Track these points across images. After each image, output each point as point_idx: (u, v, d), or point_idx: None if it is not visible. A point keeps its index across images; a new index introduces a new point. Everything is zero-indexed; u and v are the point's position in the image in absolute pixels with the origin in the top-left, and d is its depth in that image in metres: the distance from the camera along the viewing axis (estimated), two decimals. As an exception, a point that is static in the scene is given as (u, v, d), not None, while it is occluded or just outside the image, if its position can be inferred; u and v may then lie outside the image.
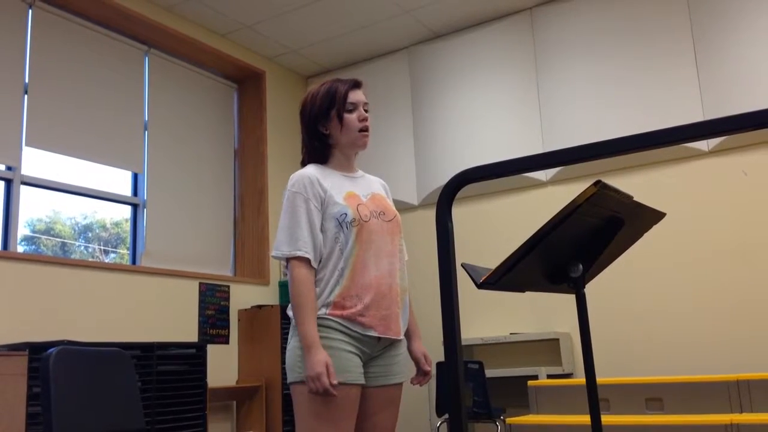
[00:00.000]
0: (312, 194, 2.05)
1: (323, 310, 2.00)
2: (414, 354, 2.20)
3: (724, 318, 4.22)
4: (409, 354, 2.19)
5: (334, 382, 1.89)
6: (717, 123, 0.99)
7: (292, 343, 2.01)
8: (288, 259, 2.02)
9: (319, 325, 1.98)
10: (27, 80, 4.27)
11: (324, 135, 2.15)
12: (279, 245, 2.04)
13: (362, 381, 2.00)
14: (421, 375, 2.20)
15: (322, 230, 2.04)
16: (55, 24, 4.49)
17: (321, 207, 2.05)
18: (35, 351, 3.24)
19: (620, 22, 4.76)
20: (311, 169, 2.13)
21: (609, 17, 4.81)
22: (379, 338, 2.03)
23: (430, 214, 5.36)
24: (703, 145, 4.41)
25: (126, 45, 4.92)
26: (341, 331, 1.99)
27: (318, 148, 2.17)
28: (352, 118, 2.12)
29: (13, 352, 3.27)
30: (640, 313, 4.48)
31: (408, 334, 2.19)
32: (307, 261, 2.00)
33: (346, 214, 2.04)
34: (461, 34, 5.42)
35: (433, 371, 2.16)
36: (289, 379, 2.02)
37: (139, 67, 5.00)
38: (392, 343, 2.08)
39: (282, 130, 5.75)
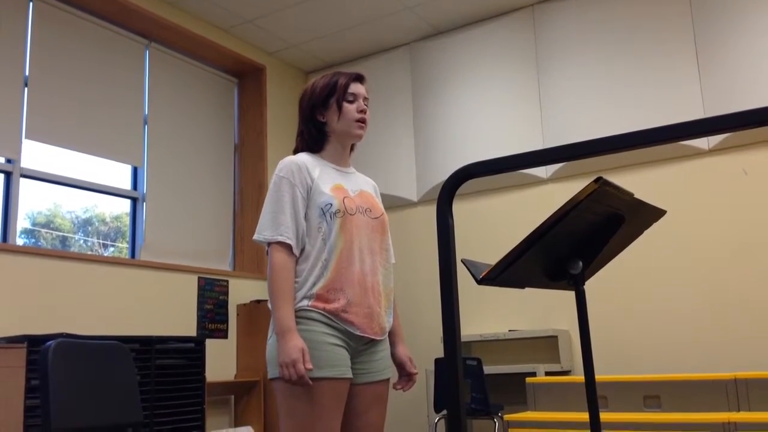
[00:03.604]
0: (299, 180, 2.03)
1: (305, 302, 1.95)
2: (399, 358, 2.16)
3: (722, 316, 4.22)
4: (392, 358, 2.15)
5: (309, 367, 1.85)
6: (717, 120, 0.99)
7: (273, 338, 1.95)
8: (269, 244, 1.99)
9: (302, 318, 1.94)
10: (27, 73, 4.26)
11: (321, 123, 2.14)
12: (261, 229, 2.01)
13: (350, 375, 1.96)
14: (405, 379, 2.16)
15: (305, 218, 2.02)
16: (56, 17, 4.48)
17: (307, 195, 2.03)
18: (34, 344, 3.24)
19: (622, 20, 4.75)
20: (302, 157, 2.11)
21: (611, 15, 4.80)
22: (360, 336, 1.99)
23: (430, 210, 5.36)
24: (703, 143, 4.41)
25: (126, 38, 4.91)
26: (325, 323, 1.94)
27: (313, 136, 2.15)
28: (350, 108, 2.12)
29: (11, 345, 3.27)
30: (639, 310, 4.48)
31: (391, 338, 2.15)
32: (288, 247, 1.97)
33: (331, 204, 2.01)
34: (462, 31, 5.41)
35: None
36: (270, 374, 1.96)
37: (139, 60, 4.99)
38: (373, 341, 2.04)
39: (282, 126, 5.75)
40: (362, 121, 2.14)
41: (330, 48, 5.72)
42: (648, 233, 1.69)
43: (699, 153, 4.45)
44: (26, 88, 4.24)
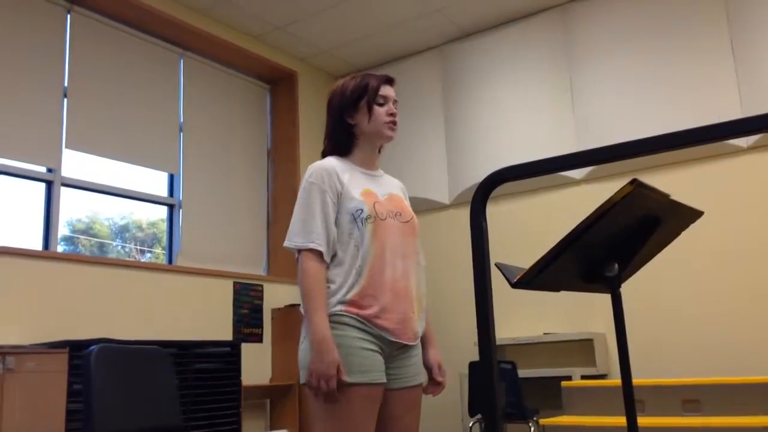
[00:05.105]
0: (329, 186, 2.01)
1: (339, 307, 1.93)
2: (429, 362, 2.13)
3: (763, 318, 4.13)
4: (423, 362, 2.13)
5: (344, 379, 1.83)
6: (756, 120, 0.98)
7: (305, 343, 1.93)
8: (300, 251, 1.98)
9: (336, 322, 1.92)
10: (66, 84, 4.36)
11: (350, 125, 2.13)
12: (292, 236, 2.00)
13: (384, 380, 1.94)
14: (434, 385, 2.13)
15: (336, 224, 2.00)
16: (93, 28, 4.58)
17: (337, 200, 2.02)
18: (75, 349, 3.31)
19: (654, 18, 4.69)
20: (331, 161, 2.10)
21: (643, 12, 4.74)
22: (394, 341, 1.97)
23: (462, 213, 5.34)
24: (741, 141, 4.32)
25: (161, 48, 5.00)
26: (359, 328, 1.92)
27: (342, 138, 2.14)
28: (381, 110, 2.10)
29: (54, 350, 3.35)
30: (677, 312, 4.41)
31: (422, 342, 2.13)
32: (319, 254, 1.95)
33: (362, 210, 2.00)
34: (492, 33, 5.39)
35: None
36: (303, 379, 1.94)
37: (174, 69, 5.08)
38: (407, 346, 2.02)
39: (314, 131, 5.79)
40: (392, 123, 2.12)
41: (360, 52, 5.75)
42: (686, 234, 1.67)
43: (737, 151, 4.37)
44: (66, 99, 4.34)
